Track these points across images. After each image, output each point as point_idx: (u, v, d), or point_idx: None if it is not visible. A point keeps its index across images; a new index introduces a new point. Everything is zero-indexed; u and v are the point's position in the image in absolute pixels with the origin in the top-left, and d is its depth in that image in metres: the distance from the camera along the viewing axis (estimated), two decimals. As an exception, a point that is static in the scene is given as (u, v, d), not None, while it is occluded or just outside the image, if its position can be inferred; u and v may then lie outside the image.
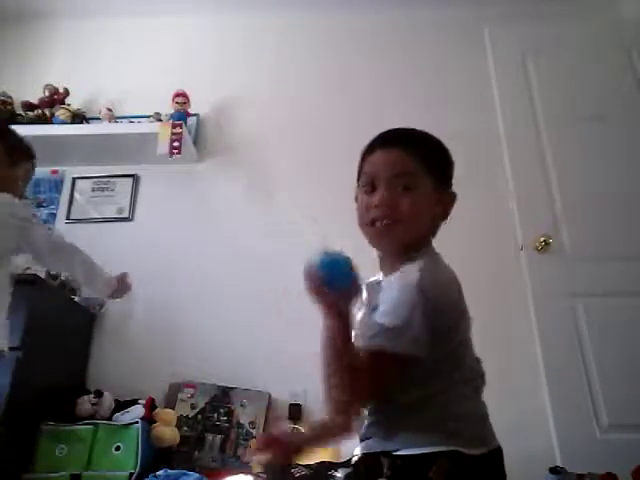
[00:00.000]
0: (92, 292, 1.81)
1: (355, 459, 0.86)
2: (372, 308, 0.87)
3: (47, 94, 2.52)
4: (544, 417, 1.97)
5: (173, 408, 1.97)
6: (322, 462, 0.92)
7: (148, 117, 2.45)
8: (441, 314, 0.82)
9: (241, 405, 2.01)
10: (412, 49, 2.70)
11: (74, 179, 2.51)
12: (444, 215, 0.97)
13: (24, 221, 1.45)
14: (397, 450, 0.79)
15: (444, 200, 0.95)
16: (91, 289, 1.75)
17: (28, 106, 2.49)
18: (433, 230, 0.97)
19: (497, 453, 0.85)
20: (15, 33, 2.82)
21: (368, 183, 0.93)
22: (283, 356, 2.08)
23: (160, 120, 2.41)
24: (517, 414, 1.92)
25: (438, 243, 1.00)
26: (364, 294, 0.92)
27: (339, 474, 0.83)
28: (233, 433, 1.96)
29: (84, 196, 2.49)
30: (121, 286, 1.70)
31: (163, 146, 2.26)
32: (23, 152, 1.60)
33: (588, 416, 1.94)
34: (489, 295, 2.08)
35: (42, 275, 1.96)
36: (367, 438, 0.86)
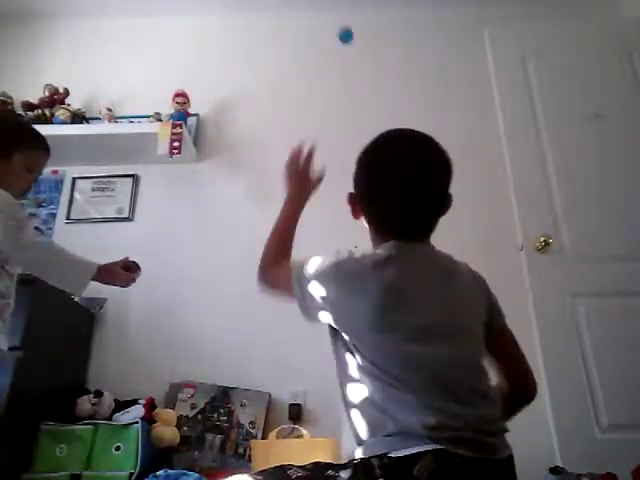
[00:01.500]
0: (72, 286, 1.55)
1: (355, 462, 0.86)
2: None
3: (47, 94, 2.52)
4: (544, 417, 1.97)
5: (173, 408, 1.97)
6: (317, 463, 0.91)
7: (148, 117, 2.45)
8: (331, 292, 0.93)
9: (241, 405, 2.01)
10: (413, 49, 2.70)
11: (74, 179, 2.51)
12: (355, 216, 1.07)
13: None
14: (388, 452, 0.80)
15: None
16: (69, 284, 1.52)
17: (28, 106, 2.49)
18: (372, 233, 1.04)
19: (504, 463, 0.84)
20: (15, 33, 2.82)
21: None
22: (283, 356, 2.08)
23: (160, 120, 2.41)
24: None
25: (439, 244, 1.01)
26: None
27: (343, 475, 0.83)
28: (233, 433, 1.96)
29: (84, 196, 2.49)
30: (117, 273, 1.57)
31: (163, 146, 2.26)
32: (16, 140, 1.45)
33: (588, 416, 1.94)
34: (489, 295, 2.08)
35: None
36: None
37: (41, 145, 1.51)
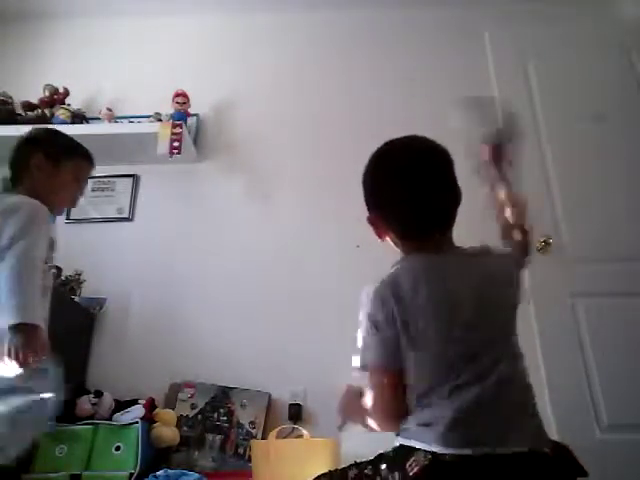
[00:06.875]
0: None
1: None
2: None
3: (47, 94, 2.51)
4: (544, 417, 1.95)
5: (173, 408, 1.97)
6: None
7: (148, 117, 2.45)
8: (389, 314, 0.91)
9: (241, 405, 2.01)
10: (413, 50, 2.70)
11: (74, 179, 2.51)
12: (380, 236, 1.05)
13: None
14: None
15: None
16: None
17: (28, 106, 2.48)
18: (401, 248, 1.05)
19: (503, 459, 0.85)
20: (15, 33, 2.82)
21: None
22: (283, 356, 2.08)
23: (160, 120, 2.40)
24: (517, 414, 1.92)
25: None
26: None
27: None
28: (233, 433, 1.96)
29: (84, 196, 2.48)
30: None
31: (163, 146, 2.26)
32: (64, 148, 1.50)
33: (588, 416, 1.94)
34: (489, 295, 2.08)
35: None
36: None
37: (87, 156, 1.57)
